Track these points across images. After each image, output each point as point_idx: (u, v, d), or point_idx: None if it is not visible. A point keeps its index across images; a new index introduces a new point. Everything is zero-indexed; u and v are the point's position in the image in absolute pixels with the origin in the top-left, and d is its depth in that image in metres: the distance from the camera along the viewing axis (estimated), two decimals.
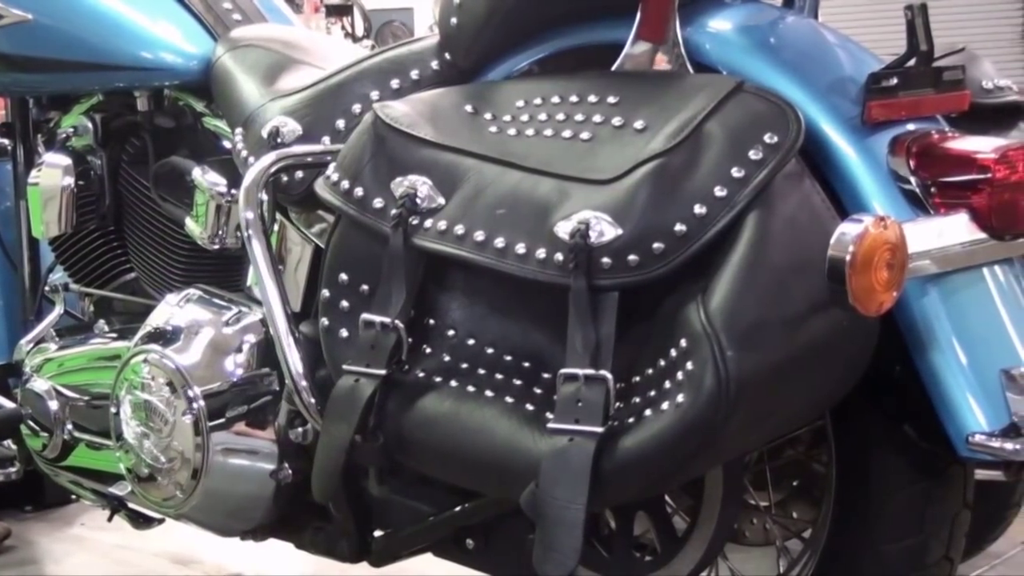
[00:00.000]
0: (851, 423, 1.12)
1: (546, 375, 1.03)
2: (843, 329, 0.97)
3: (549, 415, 1.00)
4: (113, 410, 1.45)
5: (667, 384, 0.95)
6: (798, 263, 0.95)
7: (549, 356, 1.04)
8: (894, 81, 1.07)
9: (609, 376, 0.97)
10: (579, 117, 1.06)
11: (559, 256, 0.98)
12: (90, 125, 1.65)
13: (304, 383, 1.21)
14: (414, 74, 1.28)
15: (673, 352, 0.95)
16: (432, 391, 1.07)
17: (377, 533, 1.33)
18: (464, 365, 1.07)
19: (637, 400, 0.97)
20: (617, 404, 0.98)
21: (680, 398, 0.93)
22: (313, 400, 1.20)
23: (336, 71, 1.35)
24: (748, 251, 0.94)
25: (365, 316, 1.09)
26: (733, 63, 1.09)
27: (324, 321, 1.14)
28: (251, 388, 1.37)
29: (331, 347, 1.14)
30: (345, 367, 1.09)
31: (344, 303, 1.13)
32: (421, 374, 1.08)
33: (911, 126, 1.08)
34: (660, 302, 1.00)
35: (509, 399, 1.03)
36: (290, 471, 1.36)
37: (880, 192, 1.05)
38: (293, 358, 1.22)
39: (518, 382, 1.04)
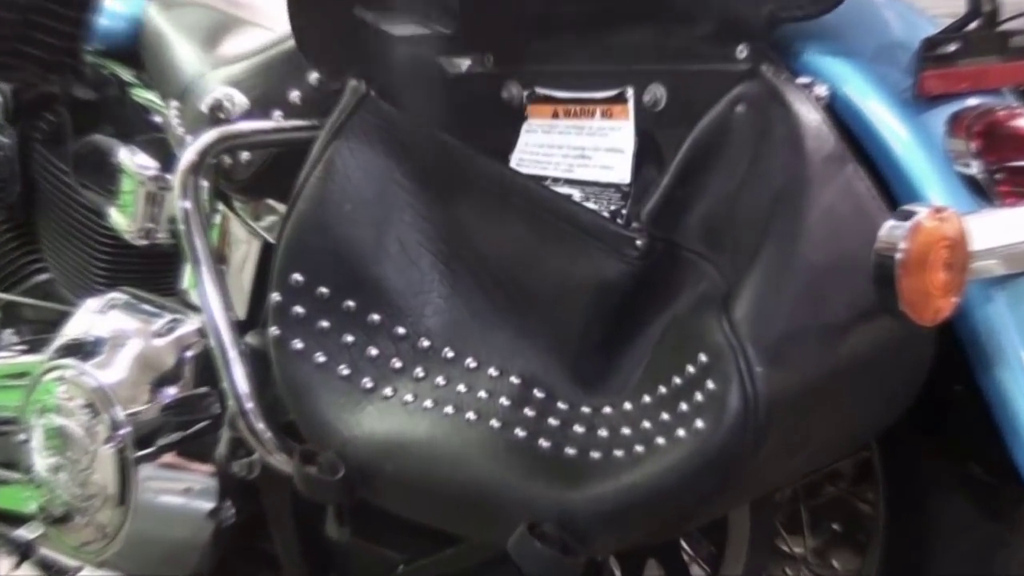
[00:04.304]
0: (902, 454, 1.13)
1: (539, 393, 1.04)
2: (893, 341, 0.97)
3: (543, 442, 1.01)
4: (22, 437, 1.45)
5: (683, 406, 0.95)
6: (839, 263, 0.95)
7: (542, 370, 1.05)
8: (953, 47, 1.07)
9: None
10: None
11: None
12: None
13: (250, 405, 1.21)
14: None
15: (691, 368, 0.95)
16: (402, 413, 1.07)
17: None
18: (440, 381, 1.08)
19: (648, 425, 0.97)
20: (625, 429, 0.98)
21: (699, 423, 0.93)
22: (261, 425, 1.20)
23: (290, 34, 1.35)
24: (779, 248, 0.94)
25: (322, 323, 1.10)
26: None
27: (275, 330, 1.14)
28: (187, 411, 1.38)
29: (283, 362, 1.14)
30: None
31: (298, 309, 1.13)
32: (389, 392, 1.09)
33: (973, 101, 1.08)
34: (675, 309, 1.00)
35: (495, 423, 1.03)
36: (233, 510, 1.36)
37: (937, 179, 1.05)
38: (237, 375, 1.21)
39: (506, 402, 1.04)
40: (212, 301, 1.25)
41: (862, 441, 1.11)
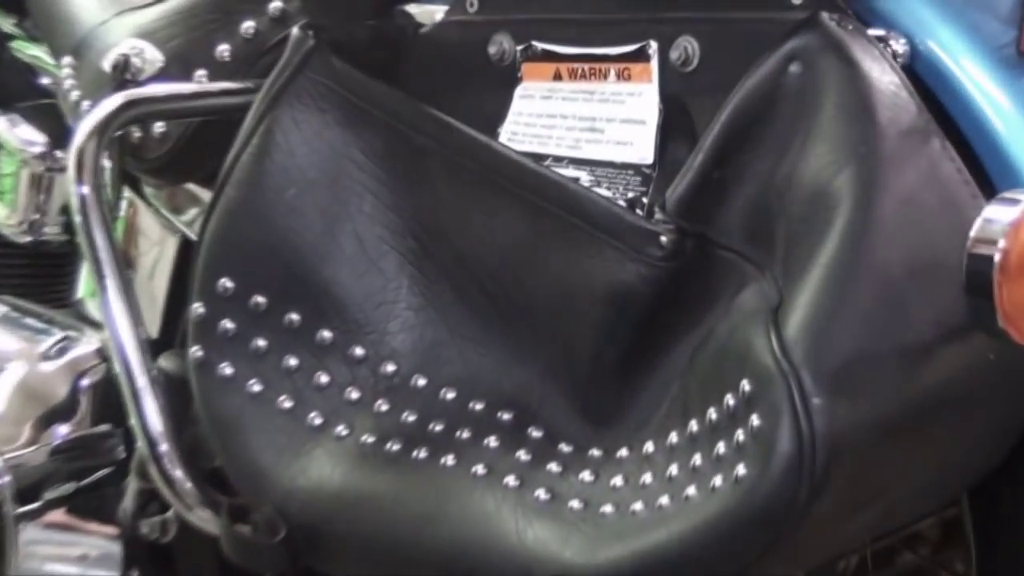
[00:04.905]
0: (1000, 513, 1.13)
1: (535, 432, 1.05)
2: (989, 367, 0.97)
3: (540, 493, 1.01)
4: None
5: (721, 448, 0.95)
6: (921, 265, 0.96)
7: (540, 403, 1.06)
8: None
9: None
10: None
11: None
12: None
13: (164, 447, 1.21)
14: None
15: (730, 399, 0.96)
16: (360, 458, 1.08)
17: None
18: (410, 418, 1.08)
19: (675, 472, 0.98)
20: (646, 476, 0.99)
21: (741, 469, 0.93)
22: (178, 472, 1.20)
23: None
24: (844, 247, 0.95)
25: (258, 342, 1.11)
26: None
27: (197, 351, 1.15)
28: (82, 455, 1.37)
29: (207, 392, 1.14)
30: None
31: (227, 324, 1.13)
32: (343, 430, 1.10)
33: None
34: (710, 324, 1.01)
35: (480, 469, 1.04)
36: None
37: None
38: (148, 409, 1.22)
39: (493, 444, 1.05)
40: (116, 314, 1.25)
41: (949, 496, 1.11)
